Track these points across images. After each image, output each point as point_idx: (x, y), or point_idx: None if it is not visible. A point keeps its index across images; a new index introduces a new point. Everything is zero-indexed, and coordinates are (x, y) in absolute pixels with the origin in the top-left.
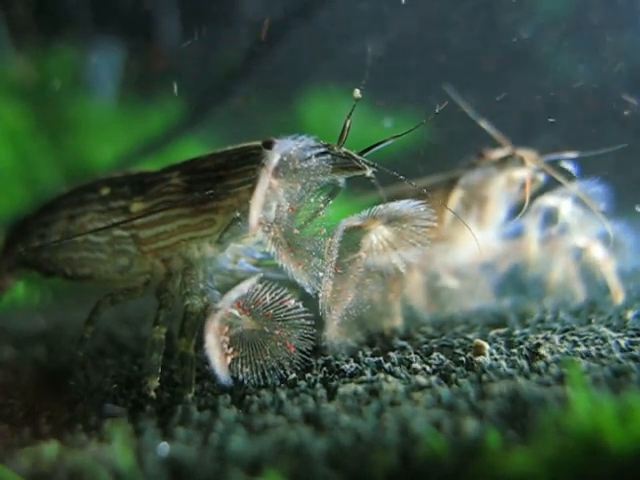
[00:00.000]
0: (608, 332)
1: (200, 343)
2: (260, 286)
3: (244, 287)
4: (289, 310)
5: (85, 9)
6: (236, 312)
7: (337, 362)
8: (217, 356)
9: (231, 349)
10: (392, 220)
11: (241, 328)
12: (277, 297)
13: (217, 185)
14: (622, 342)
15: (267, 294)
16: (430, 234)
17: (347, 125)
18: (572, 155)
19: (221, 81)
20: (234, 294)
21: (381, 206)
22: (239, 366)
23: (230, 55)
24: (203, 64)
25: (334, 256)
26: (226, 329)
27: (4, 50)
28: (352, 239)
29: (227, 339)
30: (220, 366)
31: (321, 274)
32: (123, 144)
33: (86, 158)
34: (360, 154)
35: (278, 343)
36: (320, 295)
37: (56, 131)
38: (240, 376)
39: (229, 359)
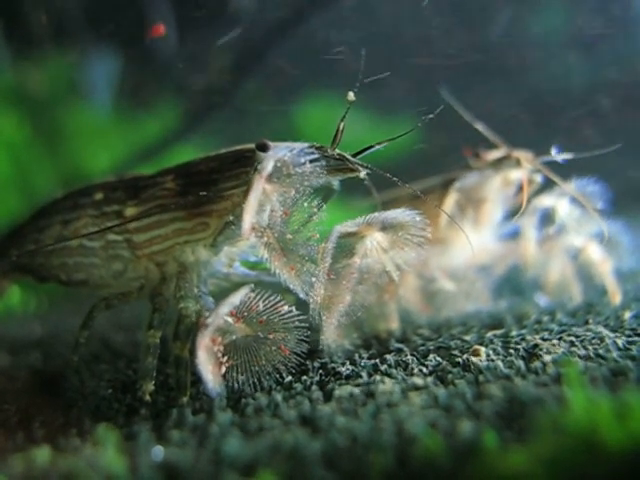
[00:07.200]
0: (605, 332)
1: (195, 347)
2: (253, 294)
3: (235, 299)
4: (282, 315)
5: (81, 17)
6: (229, 320)
7: (333, 365)
8: (209, 371)
9: (225, 357)
10: (387, 227)
11: (234, 336)
12: (270, 303)
13: (211, 188)
14: (619, 342)
15: (260, 301)
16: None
17: (340, 127)
18: (568, 156)
19: (217, 87)
20: (225, 307)
21: (376, 213)
22: (234, 374)
23: (226, 61)
24: (199, 70)
25: (327, 262)
26: (219, 339)
27: (1, 59)
28: (346, 245)
29: (221, 348)
30: (212, 382)
31: (314, 279)
32: (119, 151)
33: (82, 166)
34: (354, 156)
35: (272, 347)
36: (311, 300)
37: (53, 139)
38: (236, 385)
39: (224, 368)
